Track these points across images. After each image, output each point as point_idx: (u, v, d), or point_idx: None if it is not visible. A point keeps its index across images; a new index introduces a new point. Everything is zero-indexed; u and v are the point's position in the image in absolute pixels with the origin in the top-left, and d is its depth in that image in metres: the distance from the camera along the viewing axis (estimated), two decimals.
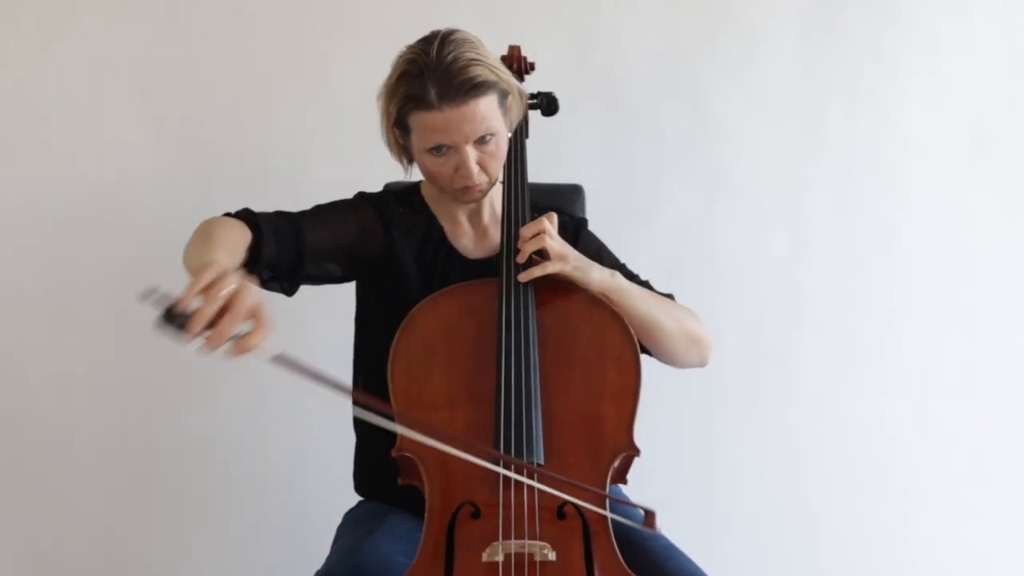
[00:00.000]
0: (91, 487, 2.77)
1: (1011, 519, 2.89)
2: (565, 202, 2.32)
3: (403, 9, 2.72)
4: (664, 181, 2.82)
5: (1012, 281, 2.86)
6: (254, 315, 1.39)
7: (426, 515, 1.71)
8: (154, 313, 1.35)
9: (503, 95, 1.89)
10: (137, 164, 2.73)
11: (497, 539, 1.64)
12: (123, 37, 2.71)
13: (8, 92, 2.70)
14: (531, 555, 1.63)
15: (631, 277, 2.03)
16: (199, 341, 1.36)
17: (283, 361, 1.42)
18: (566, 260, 1.86)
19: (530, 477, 1.69)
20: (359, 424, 2.08)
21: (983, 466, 2.88)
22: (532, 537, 1.65)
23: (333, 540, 2.02)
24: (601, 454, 1.76)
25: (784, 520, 2.86)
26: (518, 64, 2.16)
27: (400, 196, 2.05)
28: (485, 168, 1.89)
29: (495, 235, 2.04)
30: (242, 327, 1.38)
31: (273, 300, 1.86)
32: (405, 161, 2.01)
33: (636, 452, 1.78)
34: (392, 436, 1.75)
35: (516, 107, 1.95)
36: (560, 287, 1.87)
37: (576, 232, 2.08)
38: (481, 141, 1.87)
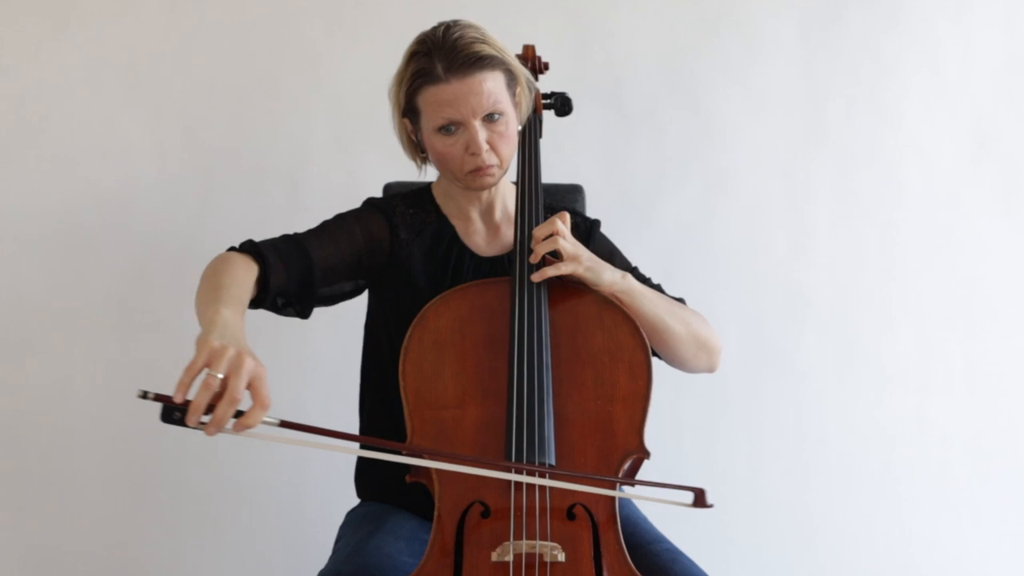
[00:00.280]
0: (92, 488, 2.76)
1: (1011, 519, 2.89)
2: (566, 202, 2.32)
3: (403, 9, 2.72)
4: (664, 181, 2.82)
5: (1012, 281, 2.86)
6: (251, 390, 1.49)
7: (435, 514, 1.71)
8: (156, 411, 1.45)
9: (510, 77, 1.92)
10: (137, 165, 2.72)
11: (508, 539, 1.64)
12: (123, 37, 2.70)
13: (8, 92, 2.70)
14: (541, 556, 1.63)
15: (643, 280, 2.03)
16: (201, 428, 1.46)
17: (290, 425, 1.53)
18: (579, 261, 1.86)
19: (542, 478, 1.69)
20: (363, 426, 2.08)
21: (983, 466, 2.88)
22: (544, 538, 1.65)
23: (335, 540, 2.02)
24: (611, 456, 1.76)
25: (784, 519, 2.86)
26: (533, 64, 2.18)
27: (409, 197, 2.06)
28: (495, 148, 1.90)
29: (507, 233, 2.04)
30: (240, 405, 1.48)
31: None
32: (419, 159, 2.03)
33: (646, 455, 1.78)
34: (396, 437, 1.76)
35: (525, 98, 1.98)
36: (572, 288, 1.88)
37: (588, 233, 2.09)
38: (490, 119, 1.89)
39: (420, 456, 1.67)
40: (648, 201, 2.81)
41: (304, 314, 1.93)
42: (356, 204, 2.08)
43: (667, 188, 2.82)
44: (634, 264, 2.11)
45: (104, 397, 2.74)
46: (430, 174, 2.06)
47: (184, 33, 2.72)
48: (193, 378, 1.47)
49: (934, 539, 2.89)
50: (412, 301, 1.88)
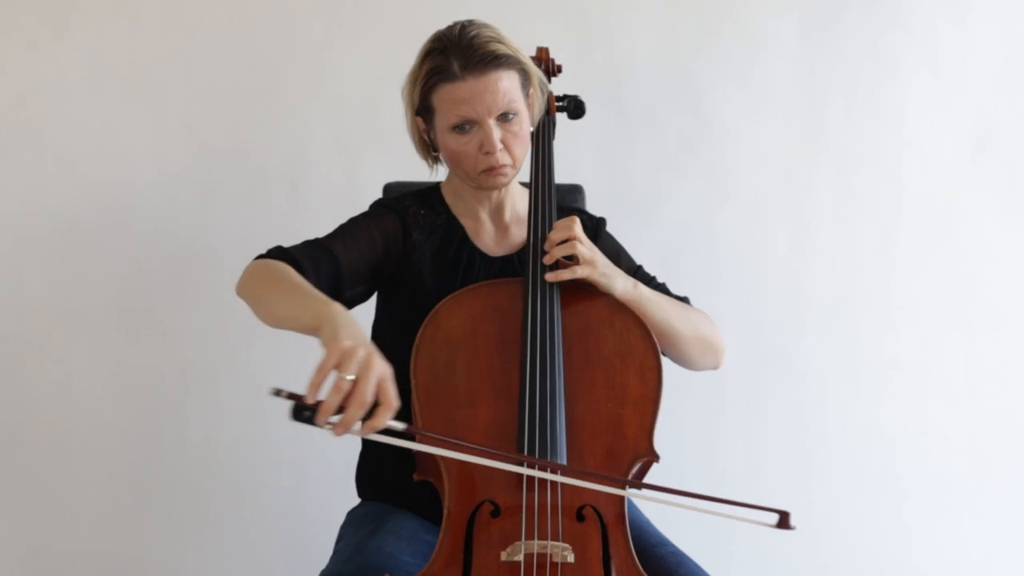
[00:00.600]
0: (92, 488, 2.75)
1: (1011, 518, 2.90)
2: (566, 202, 2.32)
3: (403, 10, 2.72)
4: (664, 181, 2.82)
5: (1012, 281, 2.87)
6: (377, 391, 1.50)
7: (444, 513, 1.70)
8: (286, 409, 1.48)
9: (524, 78, 1.93)
10: (137, 165, 2.72)
11: (518, 539, 1.64)
12: (123, 37, 2.70)
13: (8, 92, 2.69)
14: (551, 556, 1.63)
15: (648, 279, 2.05)
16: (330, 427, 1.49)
17: (415, 431, 1.57)
18: (595, 266, 1.87)
19: (554, 474, 1.69)
20: None
21: (983, 466, 2.89)
22: (555, 538, 1.65)
23: (336, 540, 2.02)
24: (621, 458, 1.76)
25: None
26: (546, 66, 2.18)
27: (419, 197, 2.06)
28: (508, 148, 1.91)
29: (516, 233, 2.04)
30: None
31: None
32: (430, 158, 2.03)
33: (655, 458, 1.78)
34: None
35: (538, 99, 1.98)
36: (583, 291, 1.88)
37: (595, 232, 2.09)
38: (504, 119, 1.89)
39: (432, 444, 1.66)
40: (648, 201, 2.81)
41: None
42: (356, 204, 2.08)
43: (667, 188, 2.82)
44: (639, 263, 2.11)
45: (104, 397, 2.74)
46: (435, 175, 2.06)
47: (184, 33, 2.71)
48: (324, 378, 1.48)
49: (934, 539, 2.89)
50: (422, 301, 1.88)
